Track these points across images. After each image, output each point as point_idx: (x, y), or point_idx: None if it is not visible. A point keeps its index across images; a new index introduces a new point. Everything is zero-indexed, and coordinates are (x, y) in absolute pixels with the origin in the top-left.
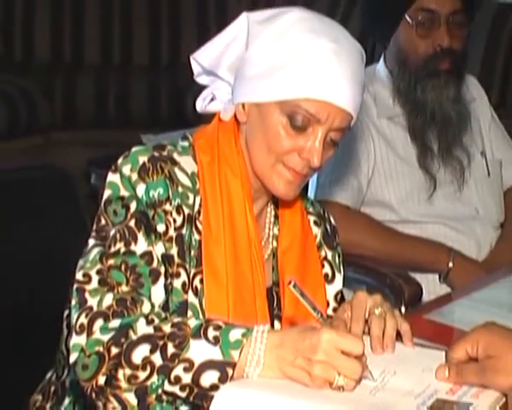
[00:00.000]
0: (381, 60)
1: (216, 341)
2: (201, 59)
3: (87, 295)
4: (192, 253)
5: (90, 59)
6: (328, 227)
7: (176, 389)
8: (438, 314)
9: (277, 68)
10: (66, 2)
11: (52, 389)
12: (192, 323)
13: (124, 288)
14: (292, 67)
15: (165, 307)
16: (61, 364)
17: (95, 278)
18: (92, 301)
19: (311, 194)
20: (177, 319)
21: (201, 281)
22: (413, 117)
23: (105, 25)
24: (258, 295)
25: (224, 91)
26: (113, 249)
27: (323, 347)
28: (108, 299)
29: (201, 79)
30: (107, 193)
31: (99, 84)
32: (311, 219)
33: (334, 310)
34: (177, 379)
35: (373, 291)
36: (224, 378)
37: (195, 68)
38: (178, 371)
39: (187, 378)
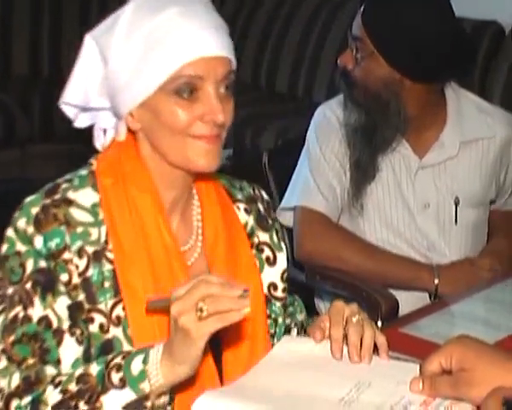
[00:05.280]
0: None
1: (123, 383)
2: (70, 99)
3: None
4: (107, 285)
5: (68, 74)
6: (260, 207)
7: None
8: (413, 328)
9: (142, 59)
10: (44, 17)
11: None
12: (94, 370)
13: (30, 361)
14: (153, 50)
15: (86, 356)
16: None
17: (2, 357)
18: (3, 383)
19: (291, 200)
20: (79, 372)
21: (124, 308)
22: None
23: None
24: None
25: (109, 118)
26: (11, 314)
27: (176, 316)
28: (16, 379)
29: (81, 122)
30: (4, 248)
31: None
32: (241, 206)
33: (284, 290)
34: None
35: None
36: None
37: (70, 112)
38: None
39: None
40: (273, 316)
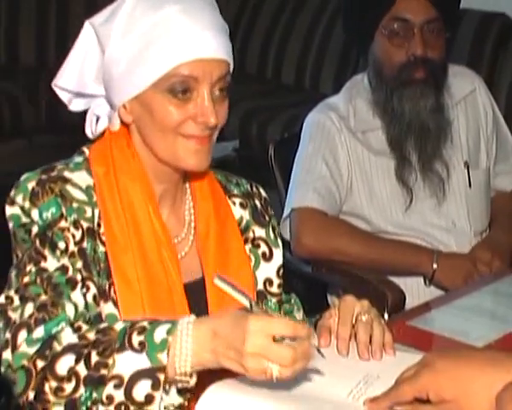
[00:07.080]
0: (367, 71)
1: (142, 347)
2: (64, 83)
3: (10, 313)
4: (101, 265)
5: None
6: (257, 203)
7: None
8: (420, 321)
9: (139, 54)
10: (50, 7)
11: None
12: (118, 326)
13: (43, 297)
14: (151, 46)
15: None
16: None
17: (15, 298)
18: (15, 316)
19: (289, 202)
20: (103, 325)
21: (115, 292)
22: (391, 128)
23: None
24: (175, 296)
25: (104, 106)
26: (26, 270)
27: (252, 339)
28: (29, 308)
29: (76, 106)
30: (10, 225)
31: None
32: (237, 201)
33: (279, 286)
34: (110, 399)
35: (359, 298)
36: (156, 386)
37: (63, 96)
38: (109, 389)
39: (119, 396)
40: (269, 312)
